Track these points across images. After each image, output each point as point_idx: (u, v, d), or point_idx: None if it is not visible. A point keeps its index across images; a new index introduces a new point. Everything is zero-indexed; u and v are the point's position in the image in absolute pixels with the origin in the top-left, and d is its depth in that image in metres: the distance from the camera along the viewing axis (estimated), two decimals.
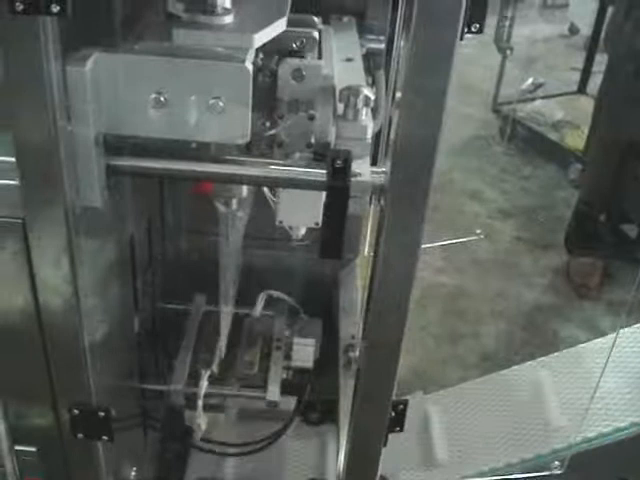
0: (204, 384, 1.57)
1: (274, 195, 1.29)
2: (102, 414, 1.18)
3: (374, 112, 1.12)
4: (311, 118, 1.13)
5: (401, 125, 0.96)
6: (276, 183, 1.12)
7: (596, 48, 4.59)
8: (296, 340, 1.72)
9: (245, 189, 1.35)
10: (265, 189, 1.37)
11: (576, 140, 4.19)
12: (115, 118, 0.99)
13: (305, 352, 1.70)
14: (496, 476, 1.65)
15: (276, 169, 1.06)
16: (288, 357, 1.70)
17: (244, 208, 1.43)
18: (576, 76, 4.90)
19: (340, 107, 1.07)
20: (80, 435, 1.21)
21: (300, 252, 1.94)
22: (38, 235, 1.01)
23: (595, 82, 4.33)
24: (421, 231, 1.02)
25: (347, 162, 0.95)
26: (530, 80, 4.97)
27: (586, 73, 4.80)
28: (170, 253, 1.75)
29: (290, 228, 1.36)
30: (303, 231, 1.36)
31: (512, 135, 4.57)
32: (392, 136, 1.04)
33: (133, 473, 1.53)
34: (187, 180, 1.23)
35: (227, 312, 1.59)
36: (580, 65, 4.86)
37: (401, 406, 1.22)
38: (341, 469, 1.35)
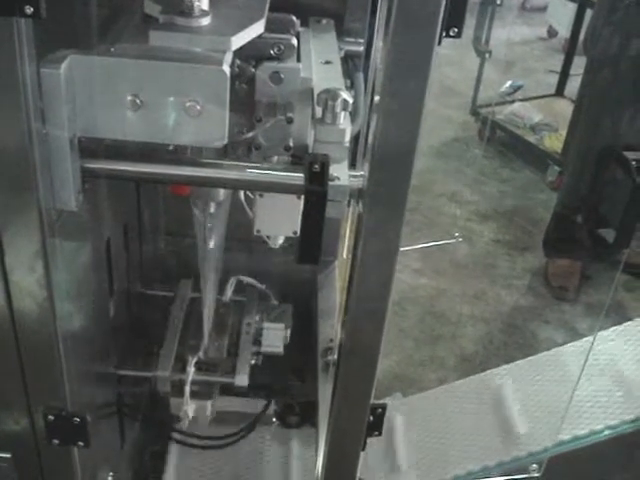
0: (191, 370, 1.55)
1: (251, 204, 1.28)
2: (77, 420, 1.17)
3: (352, 115, 1.11)
4: (289, 121, 1.13)
5: (379, 128, 0.96)
6: (254, 187, 1.12)
7: (574, 51, 4.62)
8: (266, 325, 1.71)
9: (222, 193, 1.34)
10: (242, 198, 1.37)
11: (554, 143, 4.21)
12: (90, 120, 0.98)
13: (275, 337, 1.70)
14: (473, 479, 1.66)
15: (254, 172, 1.05)
16: (258, 343, 1.69)
17: (221, 212, 1.42)
18: (554, 79, 4.92)
19: (318, 110, 1.07)
20: (55, 441, 1.20)
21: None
22: (12, 238, 0.99)
23: (573, 85, 4.36)
24: (399, 234, 1.02)
25: (325, 166, 0.94)
26: (509, 83, 5.00)
27: (564, 76, 4.82)
28: (148, 257, 1.73)
29: (268, 237, 1.35)
30: (281, 240, 1.35)
31: (491, 138, 4.59)
32: (370, 140, 1.04)
33: (110, 478, 1.52)
34: (163, 183, 1.22)
35: (209, 304, 1.58)
36: (558, 68, 4.88)
37: (380, 410, 1.21)
38: (319, 473, 1.35)
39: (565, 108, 4.46)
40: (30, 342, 1.09)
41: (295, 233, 1.16)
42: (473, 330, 3.02)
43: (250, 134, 1.14)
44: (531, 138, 4.37)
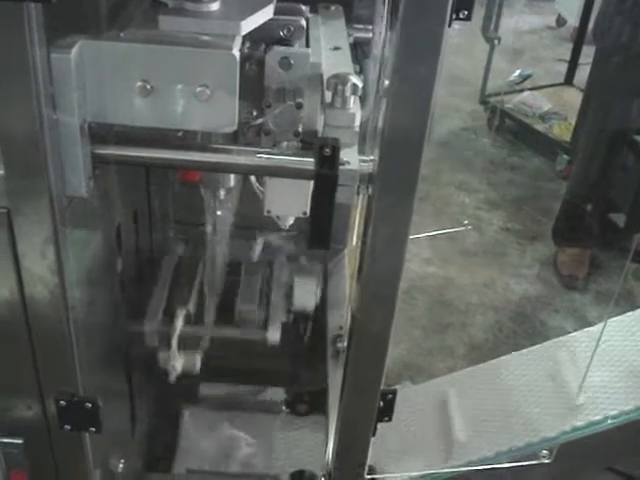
0: (179, 323, 1.53)
1: (261, 185, 1.28)
2: (89, 405, 1.17)
3: (362, 100, 1.11)
4: (299, 106, 1.13)
5: (389, 113, 0.96)
6: (263, 172, 1.11)
7: (583, 40, 4.59)
8: (297, 280, 1.70)
9: (232, 178, 1.35)
10: (252, 178, 1.37)
11: (563, 131, 4.19)
12: (100, 106, 0.98)
13: (306, 292, 1.68)
14: (484, 465, 1.65)
15: (263, 158, 1.05)
16: (289, 300, 1.68)
17: (231, 197, 1.42)
18: (563, 68, 4.90)
19: (328, 95, 1.07)
20: (67, 427, 1.20)
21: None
22: (23, 225, 0.99)
23: (582, 74, 4.33)
24: (409, 218, 1.02)
25: (335, 150, 0.94)
26: (517, 72, 4.98)
27: (573, 64, 4.80)
28: (157, 244, 1.73)
29: (278, 218, 1.35)
30: (291, 221, 1.35)
31: (500, 126, 4.57)
32: (380, 125, 1.03)
33: (121, 465, 1.52)
34: (173, 169, 1.22)
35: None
36: (567, 57, 4.86)
37: (390, 395, 1.21)
38: (330, 459, 1.35)
39: (574, 97, 4.43)
40: (42, 328, 1.10)
41: (305, 214, 1.16)
42: (482, 319, 3.02)
43: (259, 120, 1.14)
44: (540, 127, 4.35)
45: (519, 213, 3.76)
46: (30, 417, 1.22)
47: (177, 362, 1.53)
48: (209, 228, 1.47)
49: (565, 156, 4.05)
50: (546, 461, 1.49)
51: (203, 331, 1.58)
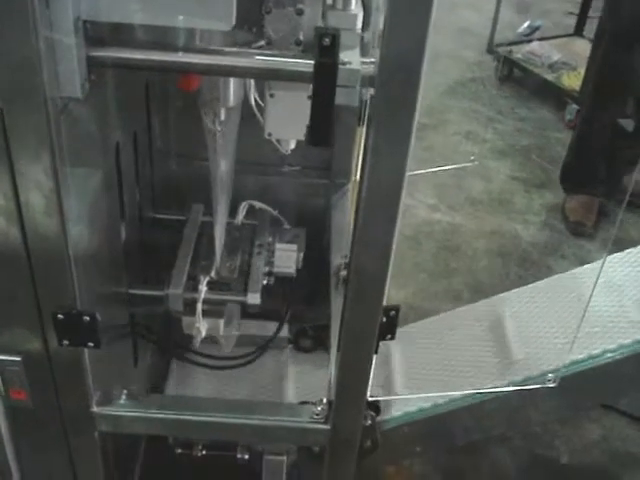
0: (204, 288, 1.54)
1: (262, 111, 1.26)
2: (87, 318, 1.16)
3: (364, 3, 1.08)
4: (299, 12, 1.09)
5: (390, 12, 0.92)
6: (263, 75, 1.09)
7: None
8: (278, 246, 1.70)
9: (232, 97, 1.32)
10: (252, 102, 1.34)
11: (573, 81, 4.13)
12: (94, 2, 0.96)
13: (287, 258, 1.68)
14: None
15: (262, 59, 1.02)
16: (270, 264, 1.68)
17: (232, 122, 1.39)
18: (573, 21, 4.83)
19: None
20: (65, 342, 1.19)
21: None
22: (16, 125, 0.97)
23: (592, 27, 4.26)
24: (412, 121, 0.99)
25: (335, 39, 0.91)
26: (527, 23, 4.91)
27: (582, 16, 4.73)
28: (158, 169, 1.71)
29: (279, 142, 1.33)
30: (292, 145, 1.32)
31: (508, 77, 4.52)
32: (381, 26, 1.00)
33: (124, 396, 1.50)
34: (171, 71, 1.19)
35: (221, 223, 1.57)
36: (577, 10, 4.79)
37: (393, 312, 1.19)
38: (332, 378, 1.34)
39: (584, 47, 4.35)
40: (37, 237, 1.08)
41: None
42: (488, 264, 3.00)
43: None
44: (549, 76, 4.29)
45: (528, 162, 3.72)
46: (28, 334, 1.21)
47: (202, 326, 1.56)
48: (211, 154, 1.45)
49: (574, 105, 3.99)
50: (551, 385, 1.47)
51: (224, 296, 1.59)
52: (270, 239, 1.74)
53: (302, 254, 1.74)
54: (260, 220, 1.78)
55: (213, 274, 1.61)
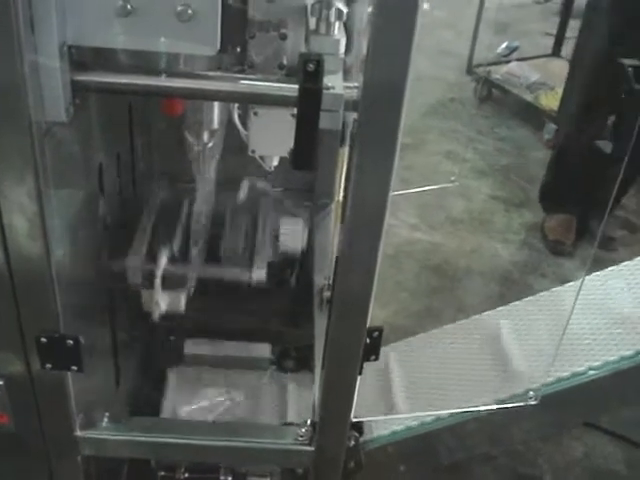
0: (163, 261, 1.51)
1: (245, 128, 1.26)
2: (70, 342, 1.15)
3: (346, 28, 1.09)
4: (283, 37, 1.10)
5: (373, 38, 0.93)
6: (246, 99, 1.09)
7: (570, 13, 4.59)
8: (283, 221, 1.69)
9: (216, 120, 1.32)
10: (235, 119, 1.35)
11: (551, 101, 4.17)
12: (79, 27, 0.96)
13: (293, 233, 1.67)
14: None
15: (247, 84, 1.03)
16: (275, 241, 1.67)
17: (216, 143, 1.40)
18: (550, 41, 4.89)
19: (312, 22, 1.05)
20: (48, 365, 1.19)
21: None
22: (0, 148, 0.97)
23: (569, 47, 4.31)
24: (395, 149, 1.00)
25: (319, 64, 0.92)
26: (505, 44, 4.96)
27: (560, 37, 4.79)
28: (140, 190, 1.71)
29: (262, 159, 1.33)
30: (276, 162, 1.33)
31: (487, 97, 4.56)
32: (364, 51, 1.01)
33: (106, 419, 1.49)
34: (155, 96, 1.19)
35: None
36: (554, 31, 4.85)
37: (376, 333, 1.20)
38: (316, 398, 1.34)
39: (562, 68, 4.39)
40: (21, 261, 1.08)
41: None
42: (469, 283, 3.02)
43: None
44: (528, 96, 4.33)
45: (507, 182, 3.75)
46: (11, 357, 1.20)
47: (162, 300, 1.51)
48: (196, 177, 1.46)
49: (552, 125, 4.03)
50: (532, 402, 1.48)
51: (188, 269, 1.56)
52: (274, 215, 1.73)
53: (307, 231, 1.72)
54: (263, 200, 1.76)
55: (174, 247, 1.58)
